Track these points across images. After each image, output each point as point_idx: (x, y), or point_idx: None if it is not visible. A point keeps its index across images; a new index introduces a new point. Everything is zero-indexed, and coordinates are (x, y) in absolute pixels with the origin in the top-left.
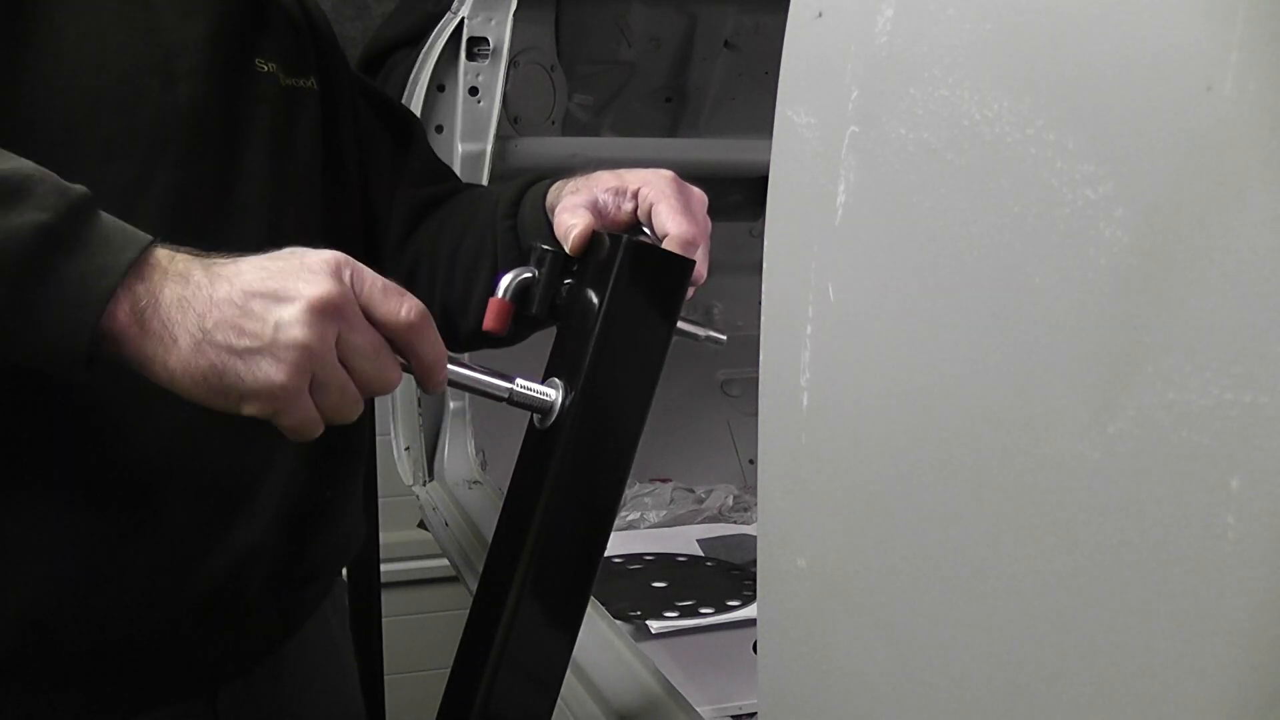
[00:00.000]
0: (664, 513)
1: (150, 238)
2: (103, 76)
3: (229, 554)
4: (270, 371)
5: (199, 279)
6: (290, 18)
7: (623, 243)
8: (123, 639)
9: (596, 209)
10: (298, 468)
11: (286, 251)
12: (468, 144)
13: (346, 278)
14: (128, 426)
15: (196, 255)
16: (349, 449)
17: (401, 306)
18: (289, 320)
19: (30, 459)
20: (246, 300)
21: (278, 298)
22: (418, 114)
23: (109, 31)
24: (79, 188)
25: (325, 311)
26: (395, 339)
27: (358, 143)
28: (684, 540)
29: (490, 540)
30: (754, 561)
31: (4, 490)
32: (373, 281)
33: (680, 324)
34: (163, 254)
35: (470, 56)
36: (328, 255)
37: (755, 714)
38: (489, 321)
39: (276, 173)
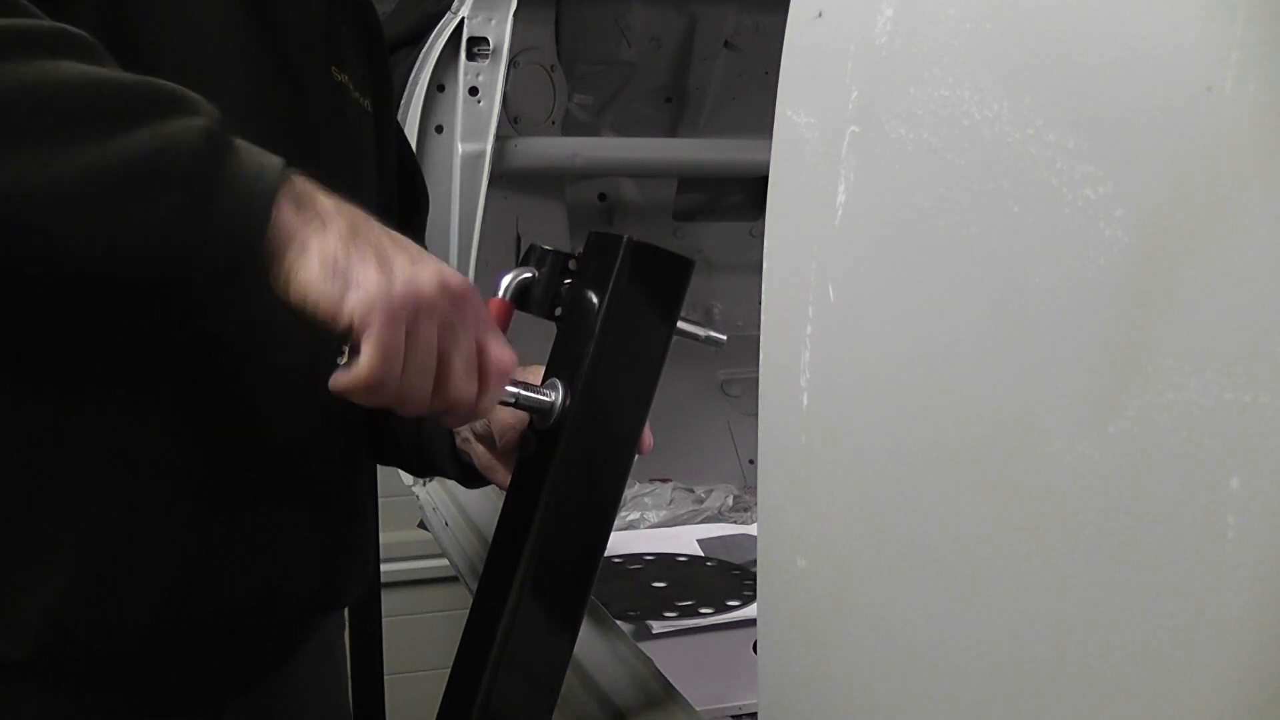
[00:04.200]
0: (664, 513)
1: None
2: (198, 43)
3: (268, 571)
4: (387, 280)
5: (340, 200)
6: (355, 31)
7: (623, 242)
8: (143, 648)
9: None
10: (340, 486)
11: None
12: (468, 144)
13: (475, 293)
14: (198, 433)
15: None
16: (368, 468)
17: (505, 349)
18: (422, 270)
19: (77, 458)
20: (394, 239)
21: (417, 256)
22: (417, 114)
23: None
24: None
25: (449, 289)
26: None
27: (389, 183)
28: (684, 540)
29: (490, 540)
30: (754, 561)
31: (43, 487)
32: (490, 316)
33: (680, 324)
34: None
35: (470, 56)
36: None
37: (755, 714)
38: None
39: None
